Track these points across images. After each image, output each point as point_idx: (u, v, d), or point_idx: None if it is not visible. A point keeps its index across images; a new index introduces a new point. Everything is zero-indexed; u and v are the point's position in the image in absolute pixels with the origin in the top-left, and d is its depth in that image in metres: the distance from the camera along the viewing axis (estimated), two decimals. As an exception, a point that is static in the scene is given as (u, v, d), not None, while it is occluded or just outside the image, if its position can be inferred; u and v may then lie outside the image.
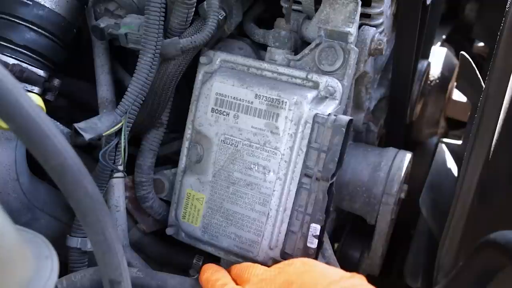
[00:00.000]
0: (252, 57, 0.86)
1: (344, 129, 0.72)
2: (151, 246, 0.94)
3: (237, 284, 0.72)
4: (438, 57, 1.33)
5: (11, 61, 0.74)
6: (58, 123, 0.82)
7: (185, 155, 0.85)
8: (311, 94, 0.76)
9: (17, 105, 0.40)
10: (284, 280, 0.66)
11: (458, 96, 1.41)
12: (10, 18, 0.75)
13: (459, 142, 1.28)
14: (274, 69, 0.81)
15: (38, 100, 0.72)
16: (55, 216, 0.84)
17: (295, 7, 0.84)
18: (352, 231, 1.10)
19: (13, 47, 0.75)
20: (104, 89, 0.85)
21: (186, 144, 0.85)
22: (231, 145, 0.79)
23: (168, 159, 0.93)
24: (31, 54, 0.76)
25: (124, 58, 0.91)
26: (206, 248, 0.84)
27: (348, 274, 0.66)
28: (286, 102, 0.75)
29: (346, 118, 0.73)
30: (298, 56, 0.81)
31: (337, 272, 0.67)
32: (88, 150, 0.95)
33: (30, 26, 0.76)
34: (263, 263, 0.77)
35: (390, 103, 1.09)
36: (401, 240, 1.18)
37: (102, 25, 0.80)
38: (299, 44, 0.84)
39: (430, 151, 1.28)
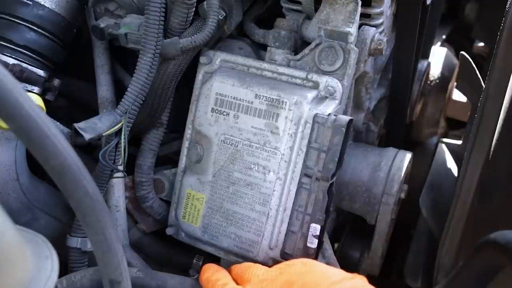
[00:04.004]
0: (252, 57, 0.86)
1: (344, 129, 0.72)
2: (151, 246, 0.94)
3: (237, 284, 0.72)
4: (438, 57, 1.33)
5: (11, 61, 0.74)
6: (58, 123, 0.82)
7: (185, 155, 0.85)
8: (311, 94, 0.76)
9: (17, 105, 0.40)
10: (285, 280, 0.66)
11: (458, 96, 1.41)
12: (10, 18, 0.75)
13: (459, 142, 1.28)
14: (274, 69, 0.81)
15: (38, 100, 0.72)
16: (55, 216, 0.84)
17: (295, 7, 0.84)
18: (352, 231, 1.10)
19: (13, 47, 0.75)
20: (104, 89, 0.85)
21: (186, 144, 0.85)
22: (231, 145, 0.79)
23: (168, 159, 0.93)
24: (31, 54, 0.76)
25: (124, 58, 0.91)
26: (206, 248, 0.84)
27: (349, 275, 0.66)
28: (286, 102, 0.75)
29: (346, 118, 0.73)
30: (298, 56, 0.81)
31: (338, 273, 0.67)
32: (88, 150, 0.95)
33: (30, 26, 0.76)
34: (263, 263, 0.77)
35: (390, 103, 1.09)
36: (401, 240, 1.18)
37: (102, 25, 0.80)
38: (299, 44, 0.84)
39: (430, 151, 1.28)
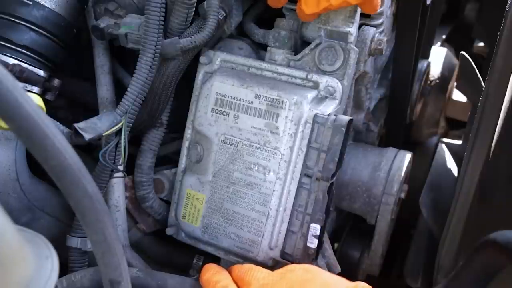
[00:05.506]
0: (252, 57, 0.86)
1: (344, 129, 0.72)
2: (151, 246, 0.94)
3: (238, 286, 0.72)
4: (438, 57, 1.33)
5: (11, 61, 0.74)
6: (58, 123, 0.82)
7: (185, 155, 0.85)
8: (311, 94, 0.76)
9: (17, 105, 0.40)
10: (286, 287, 0.66)
11: (458, 96, 1.41)
12: (10, 18, 0.75)
13: (459, 142, 1.28)
14: (274, 69, 0.81)
15: (38, 100, 0.72)
16: (55, 216, 0.84)
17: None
18: (352, 231, 1.10)
19: (13, 47, 0.75)
20: (104, 89, 0.85)
21: (186, 144, 0.85)
22: (231, 145, 0.79)
23: (168, 159, 0.93)
24: (31, 54, 0.76)
25: (124, 58, 0.91)
26: (206, 248, 0.84)
27: (352, 284, 0.66)
28: (286, 102, 0.75)
29: (346, 118, 0.73)
30: (298, 56, 0.81)
31: (340, 282, 0.66)
32: (88, 150, 0.95)
33: (30, 26, 0.76)
34: (263, 263, 0.77)
35: (390, 103, 1.09)
36: (401, 240, 1.18)
37: (102, 25, 0.80)
38: (299, 44, 0.84)
39: (430, 151, 1.28)
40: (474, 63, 1.17)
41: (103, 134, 0.72)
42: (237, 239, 0.80)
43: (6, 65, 0.73)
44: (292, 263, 0.75)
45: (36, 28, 0.76)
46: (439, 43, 1.46)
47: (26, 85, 0.76)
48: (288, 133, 0.75)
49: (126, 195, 0.87)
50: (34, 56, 0.77)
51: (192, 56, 0.80)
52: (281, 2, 0.79)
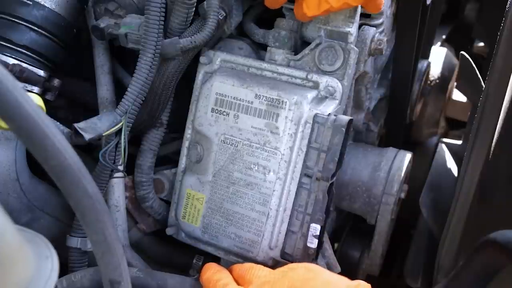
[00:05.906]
0: (252, 57, 0.86)
1: (344, 129, 0.72)
2: (151, 246, 0.94)
3: (238, 285, 0.72)
4: (438, 57, 1.33)
5: (11, 61, 0.74)
6: (58, 123, 0.82)
7: (185, 155, 0.85)
8: (311, 94, 0.76)
9: (17, 105, 0.40)
10: (288, 285, 0.66)
11: (458, 96, 1.41)
12: (10, 18, 0.75)
13: (459, 142, 1.28)
14: (274, 69, 0.81)
15: (38, 100, 0.72)
16: (55, 216, 0.84)
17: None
18: (352, 231, 1.10)
19: (13, 47, 0.75)
20: (104, 89, 0.85)
21: (186, 144, 0.85)
22: (231, 145, 0.79)
23: (168, 159, 0.93)
24: (31, 54, 0.76)
25: (124, 58, 0.91)
26: (206, 248, 0.84)
27: (353, 283, 0.66)
28: (286, 102, 0.75)
29: (346, 118, 0.73)
30: (298, 56, 0.81)
31: (342, 280, 0.67)
32: (88, 150, 0.95)
33: (30, 26, 0.76)
34: (263, 263, 0.77)
35: (390, 103, 1.09)
36: (401, 240, 1.18)
37: (102, 25, 0.80)
38: (299, 44, 0.84)
39: (430, 151, 1.28)
40: (474, 63, 1.17)
41: (103, 134, 0.72)
42: (237, 239, 0.80)
43: (6, 65, 0.73)
44: (292, 263, 0.75)
45: (36, 28, 0.76)
46: (439, 43, 1.46)
47: (26, 85, 0.76)
48: (288, 133, 0.75)
49: (126, 195, 0.87)
50: (34, 56, 0.77)
51: (192, 56, 0.80)
52: (278, 3, 0.79)
